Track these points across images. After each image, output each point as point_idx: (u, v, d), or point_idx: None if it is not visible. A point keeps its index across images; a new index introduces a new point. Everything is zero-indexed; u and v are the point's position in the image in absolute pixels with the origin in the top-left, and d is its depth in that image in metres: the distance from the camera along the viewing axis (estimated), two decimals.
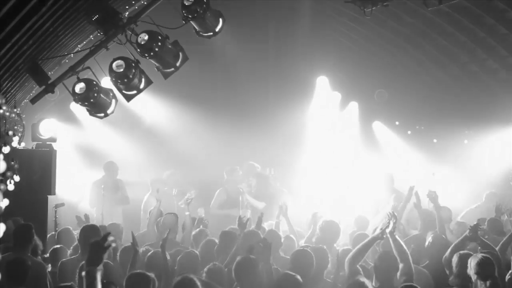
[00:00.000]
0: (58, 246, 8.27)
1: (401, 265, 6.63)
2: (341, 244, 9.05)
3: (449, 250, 7.50)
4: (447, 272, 7.19)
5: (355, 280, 6.29)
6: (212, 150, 15.28)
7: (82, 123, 15.19)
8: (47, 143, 10.25)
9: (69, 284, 6.12)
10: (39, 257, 7.55)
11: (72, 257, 7.14)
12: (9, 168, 7.61)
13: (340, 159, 15.07)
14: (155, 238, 8.96)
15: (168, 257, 7.15)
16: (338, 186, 13.18)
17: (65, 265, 7.11)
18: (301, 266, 6.72)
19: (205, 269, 6.59)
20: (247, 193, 11.78)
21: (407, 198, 9.95)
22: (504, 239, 7.99)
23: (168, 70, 8.44)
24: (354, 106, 15.90)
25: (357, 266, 6.72)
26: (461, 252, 7.07)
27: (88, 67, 8.25)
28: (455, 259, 6.97)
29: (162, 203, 10.19)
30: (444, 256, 7.46)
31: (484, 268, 6.41)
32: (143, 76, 8.25)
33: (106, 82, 8.72)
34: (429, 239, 8.02)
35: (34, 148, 10.23)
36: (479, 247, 7.57)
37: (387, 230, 6.69)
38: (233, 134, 15.55)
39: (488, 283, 6.32)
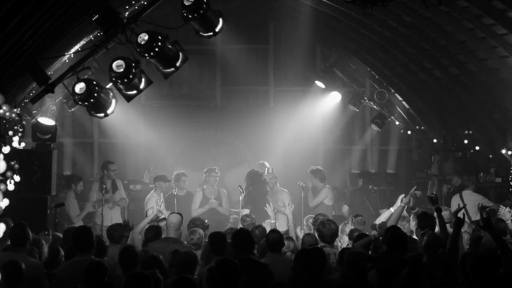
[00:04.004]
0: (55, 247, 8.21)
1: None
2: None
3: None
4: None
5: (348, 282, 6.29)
6: (211, 150, 15.29)
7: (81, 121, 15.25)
8: (47, 143, 10.25)
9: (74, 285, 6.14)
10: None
11: (74, 259, 7.08)
12: (9, 168, 7.65)
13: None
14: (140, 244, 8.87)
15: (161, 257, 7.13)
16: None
17: (65, 267, 7.08)
18: (310, 265, 6.64)
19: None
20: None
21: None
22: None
23: (168, 70, 8.44)
24: (353, 107, 15.91)
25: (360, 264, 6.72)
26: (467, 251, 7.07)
27: (88, 67, 8.25)
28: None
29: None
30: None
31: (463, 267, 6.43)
32: (143, 76, 8.25)
33: (106, 82, 8.72)
34: (424, 238, 8.01)
35: (34, 148, 10.23)
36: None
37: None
38: (232, 134, 15.56)
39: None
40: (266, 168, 12.53)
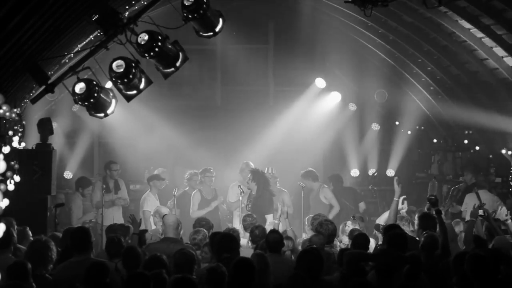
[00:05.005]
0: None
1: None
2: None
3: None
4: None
5: (360, 280, 6.29)
6: (211, 150, 15.28)
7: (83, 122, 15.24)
8: (47, 143, 10.24)
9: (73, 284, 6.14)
10: None
11: (71, 260, 7.07)
12: (9, 168, 7.64)
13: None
14: None
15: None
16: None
17: (62, 268, 7.07)
18: (311, 266, 6.64)
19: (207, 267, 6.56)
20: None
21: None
22: None
23: (168, 70, 8.44)
24: (353, 107, 15.92)
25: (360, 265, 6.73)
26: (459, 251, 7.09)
27: (88, 67, 8.25)
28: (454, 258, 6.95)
29: None
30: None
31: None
32: (143, 76, 8.25)
33: (106, 82, 8.71)
34: (422, 238, 8.03)
35: (34, 148, 10.22)
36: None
37: None
38: (232, 134, 15.56)
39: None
40: (266, 168, 12.52)
